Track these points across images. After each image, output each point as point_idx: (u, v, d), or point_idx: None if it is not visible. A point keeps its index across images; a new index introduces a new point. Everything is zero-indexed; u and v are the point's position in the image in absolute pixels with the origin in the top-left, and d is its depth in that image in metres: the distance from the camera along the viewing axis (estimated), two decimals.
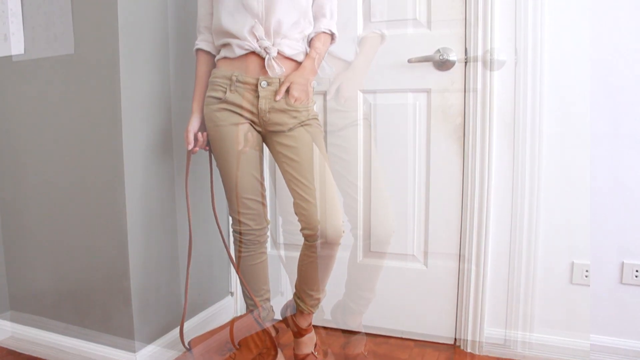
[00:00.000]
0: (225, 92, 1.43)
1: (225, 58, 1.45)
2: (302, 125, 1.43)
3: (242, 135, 1.45)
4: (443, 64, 1.62)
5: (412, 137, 1.69)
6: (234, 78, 1.42)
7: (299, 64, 1.45)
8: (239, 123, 1.44)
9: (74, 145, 1.68)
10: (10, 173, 1.83)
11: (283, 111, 1.42)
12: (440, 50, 1.62)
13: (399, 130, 1.70)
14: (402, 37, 1.66)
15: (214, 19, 1.47)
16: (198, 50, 1.54)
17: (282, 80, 1.41)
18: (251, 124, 1.46)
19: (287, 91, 1.41)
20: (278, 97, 1.40)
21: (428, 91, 1.66)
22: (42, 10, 1.76)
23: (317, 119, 1.48)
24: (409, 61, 1.63)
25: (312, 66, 1.44)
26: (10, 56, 1.83)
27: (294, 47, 1.43)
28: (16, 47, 1.83)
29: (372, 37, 1.65)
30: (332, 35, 1.48)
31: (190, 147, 1.50)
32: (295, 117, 1.42)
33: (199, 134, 1.51)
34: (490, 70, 1.57)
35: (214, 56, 1.52)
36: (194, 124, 1.51)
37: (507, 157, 1.61)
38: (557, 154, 1.57)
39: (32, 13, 1.78)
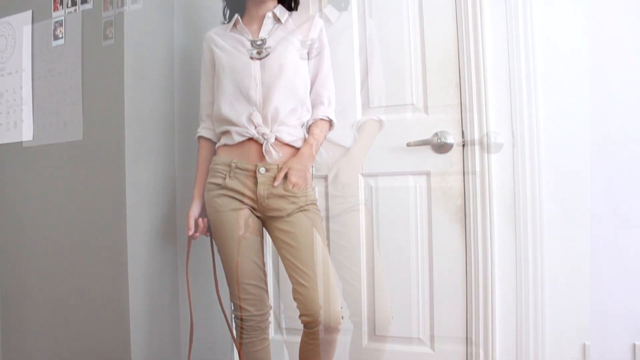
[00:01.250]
0: (224, 179, 1.46)
1: (225, 145, 1.49)
2: (300, 211, 1.45)
3: (242, 220, 1.46)
4: (441, 147, 1.66)
5: (413, 219, 1.70)
6: (233, 165, 1.45)
7: (297, 150, 1.48)
8: (239, 208, 1.46)
9: (79, 231, 1.69)
10: (14, 257, 1.84)
11: (281, 197, 1.43)
12: (438, 134, 1.66)
13: (400, 213, 1.71)
14: (400, 122, 1.70)
15: (215, 107, 1.52)
16: (200, 137, 1.58)
17: (280, 166, 1.44)
18: (251, 210, 1.47)
19: (286, 177, 1.43)
20: (276, 183, 1.43)
21: (428, 173, 1.68)
22: (55, 98, 1.83)
23: (315, 204, 1.49)
24: (408, 145, 1.67)
25: (309, 152, 1.47)
26: (21, 142, 1.89)
27: (292, 134, 1.47)
28: (26, 133, 1.88)
29: (370, 123, 1.69)
30: (330, 122, 1.52)
31: (191, 232, 1.52)
32: (293, 203, 1.44)
33: (200, 220, 1.52)
34: (488, 153, 1.61)
35: (215, 143, 1.56)
36: (195, 210, 1.53)
37: (509, 238, 1.61)
38: (558, 234, 1.57)
39: (44, 101, 1.85)
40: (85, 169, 1.71)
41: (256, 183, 1.44)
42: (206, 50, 1.56)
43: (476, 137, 1.61)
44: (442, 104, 1.67)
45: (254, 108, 1.45)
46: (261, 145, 1.44)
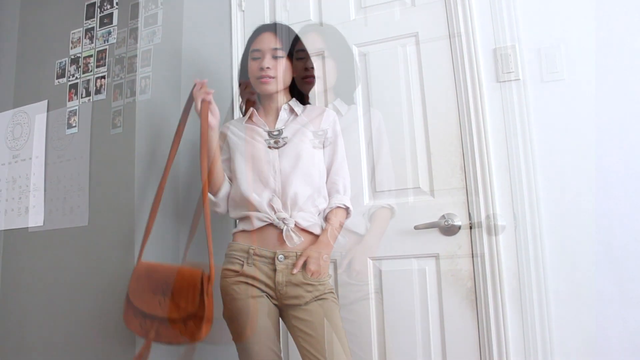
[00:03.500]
0: (242, 265, 1.46)
1: (243, 231, 1.51)
2: (318, 300, 1.44)
3: (259, 308, 1.45)
4: (449, 230, 1.66)
5: (424, 302, 1.68)
6: (251, 251, 1.46)
7: (314, 236, 1.50)
8: (256, 296, 1.45)
9: (87, 316, 1.68)
10: (16, 343, 1.81)
11: (299, 285, 1.43)
12: (445, 217, 1.67)
13: (410, 296, 1.69)
14: (407, 205, 1.72)
15: (232, 191, 1.56)
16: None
17: (298, 253, 1.45)
18: (268, 297, 1.46)
19: (304, 265, 1.44)
20: (295, 271, 1.43)
21: (436, 256, 1.68)
22: (62, 184, 1.87)
23: (333, 292, 1.48)
24: (416, 228, 1.68)
25: (327, 241, 1.49)
26: (27, 227, 1.91)
27: (309, 220, 1.49)
28: (36, 219, 1.91)
29: (382, 212, 1.71)
30: (347, 210, 1.54)
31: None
32: (311, 291, 1.43)
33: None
34: (492, 235, 1.61)
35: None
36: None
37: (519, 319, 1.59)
38: (565, 315, 1.55)
39: (53, 187, 1.89)
40: (91, 254, 1.72)
41: (274, 270, 1.44)
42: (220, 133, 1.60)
43: (482, 219, 1.63)
44: (448, 186, 1.70)
45: (274, 194, 1.48)
46: (280, 231, 1.45)
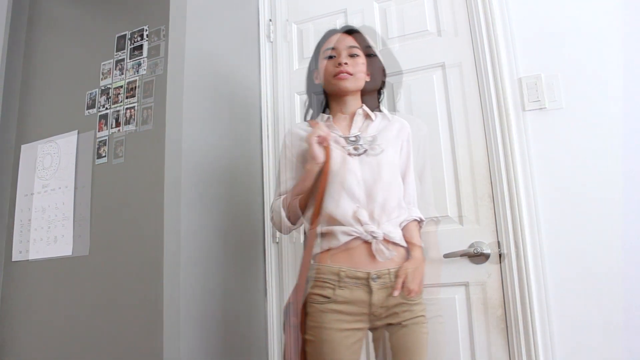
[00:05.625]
0: (334, 289, 1.34)
1: (327, 250, 1.38)
2: (411, 321, 1.35)
3: (343, 342, 1.33)
4: (478, 257, 1.67)
5: (454, 331, 1.67)
6: (342, 274, 1.34)
7: (402, 248, 1.41)
8: (347, 329, 1.33)
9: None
10: None
11: (396, 305, 1.34)
12: (474, 244, 1.68)
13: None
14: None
15: (309, 205, 1.44)
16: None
17: (392, 271, 1.36)
18: (358, 325, 1.35)
19: (402, 284, 1.35)
20: (396, 293, 1.33)
21: (466, 284, 1.68)
22: (88, 213, 1.90)
23: (424, 316, 1.38)
24: (445, 256, 1.68)
25: (422, 256, 1.42)
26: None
27: (396, 232, 1.40)
28: (65, 248, 1.93)
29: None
30: (421, 222, 1.49)
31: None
32: (406, 311, 1.34)
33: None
34: (525, 262, 1.62)
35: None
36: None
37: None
38: (571, 344, 1.56)
39: (78, 217, 1.92)
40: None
41: (369, 292, 1.33)
42: (289, 146, 1.52)
43: (512, 246, 1.63)
44: (477, 214, 1.71)
45: (358, 205, 1.38)
46: (368, 245, 1.35)
